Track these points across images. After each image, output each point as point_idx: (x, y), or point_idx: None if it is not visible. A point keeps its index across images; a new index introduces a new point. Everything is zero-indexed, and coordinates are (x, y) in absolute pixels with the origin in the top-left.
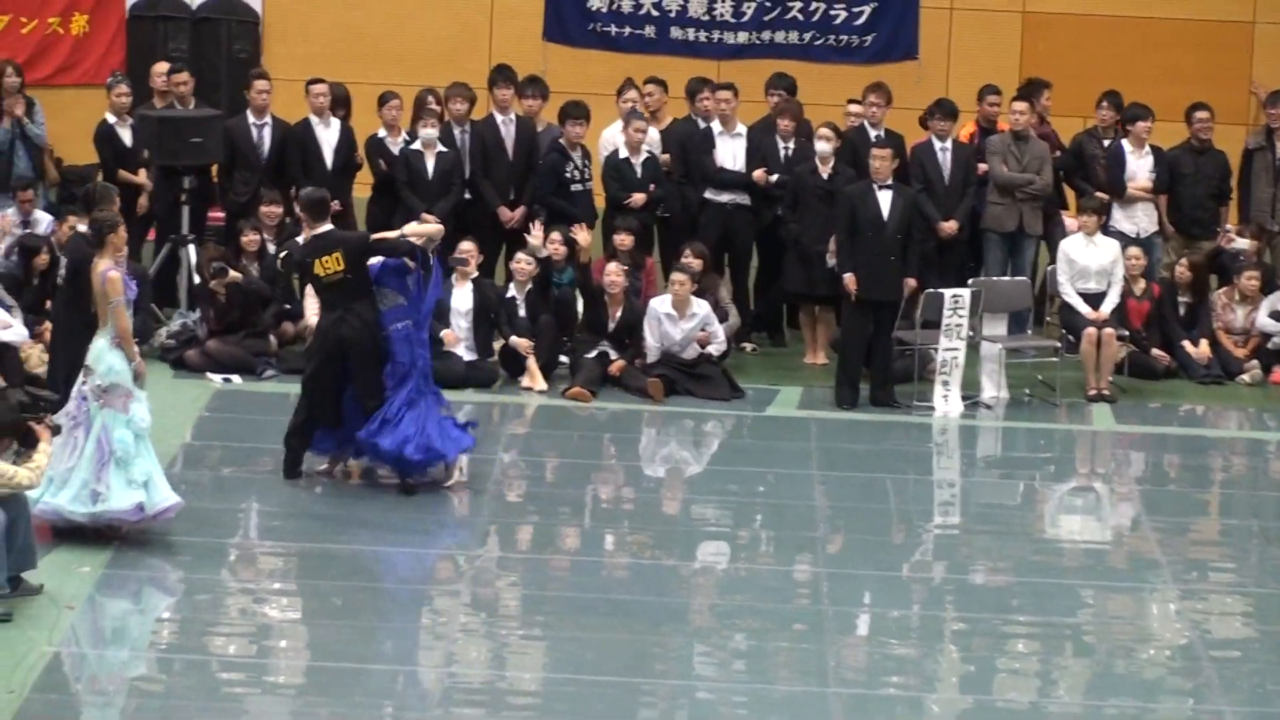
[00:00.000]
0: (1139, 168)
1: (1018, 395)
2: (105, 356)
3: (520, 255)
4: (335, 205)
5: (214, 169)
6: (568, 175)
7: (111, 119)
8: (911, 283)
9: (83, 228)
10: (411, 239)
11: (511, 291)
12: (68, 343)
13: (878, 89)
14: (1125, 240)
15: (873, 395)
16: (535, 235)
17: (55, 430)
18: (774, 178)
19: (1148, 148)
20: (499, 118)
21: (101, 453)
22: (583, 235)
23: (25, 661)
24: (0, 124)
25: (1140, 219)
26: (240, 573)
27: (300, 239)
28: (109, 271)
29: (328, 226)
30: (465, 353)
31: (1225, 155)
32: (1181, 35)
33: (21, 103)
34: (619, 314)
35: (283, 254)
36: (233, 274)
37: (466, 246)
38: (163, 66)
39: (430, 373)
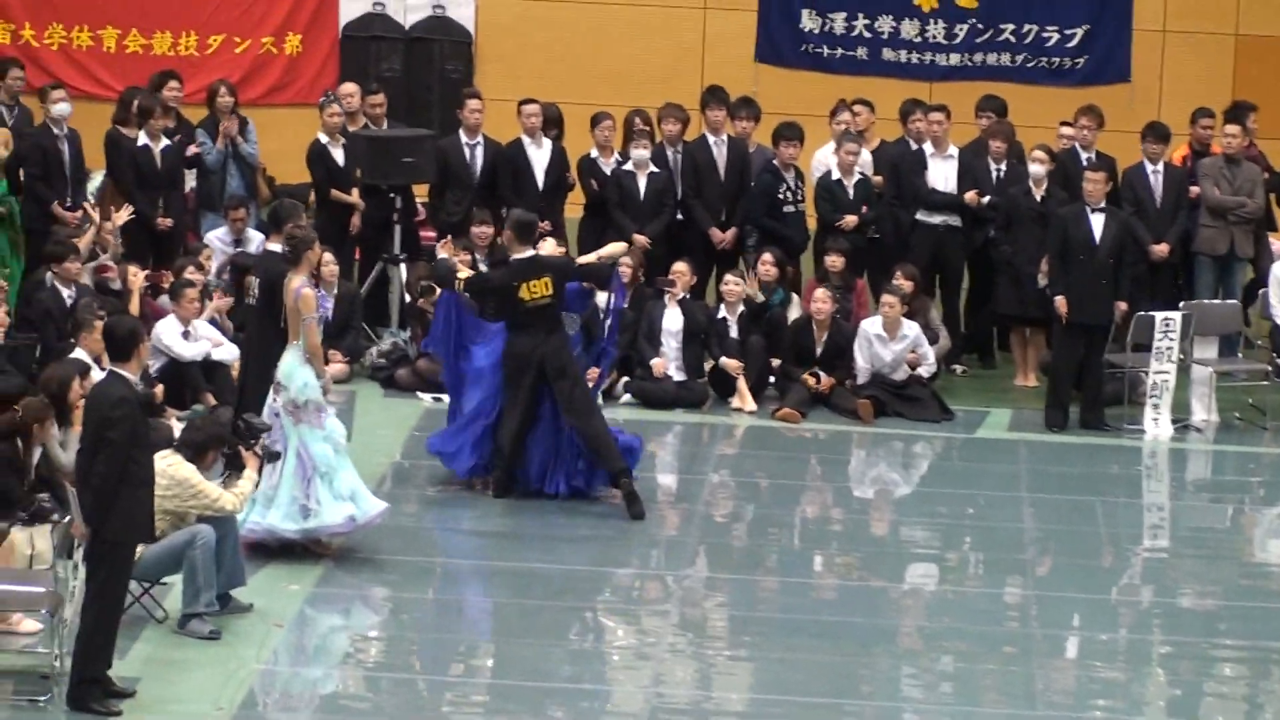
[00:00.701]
0: None
1: (1228, 419)
2: (297, 373)
3: (729, 276)
4: (545, 226)
5: (425, 189)
6: (780, 196)
7: (324, 139)
8: (1123, 306)
9: (275, 246)
10: (606, 259)
11: (722, 312)
12: (260, 358)
13: (1089, 111)
14: None
15: (1083, 418)
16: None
17: (273, 457)
18: (986, 199)
19: None
20: (711, 139)
21: (304, 468)
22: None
23: (234, 679)
24: (215, 144)
25: None
26: (448, 591)
27: (444, 255)
28: (303, 288)
29: (531, 251)
30: (675, 373)
31: None
32: None
33: (235, 122)
34: (824, 338)
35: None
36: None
37: (680, 268)
38: (350, 87)
39: None
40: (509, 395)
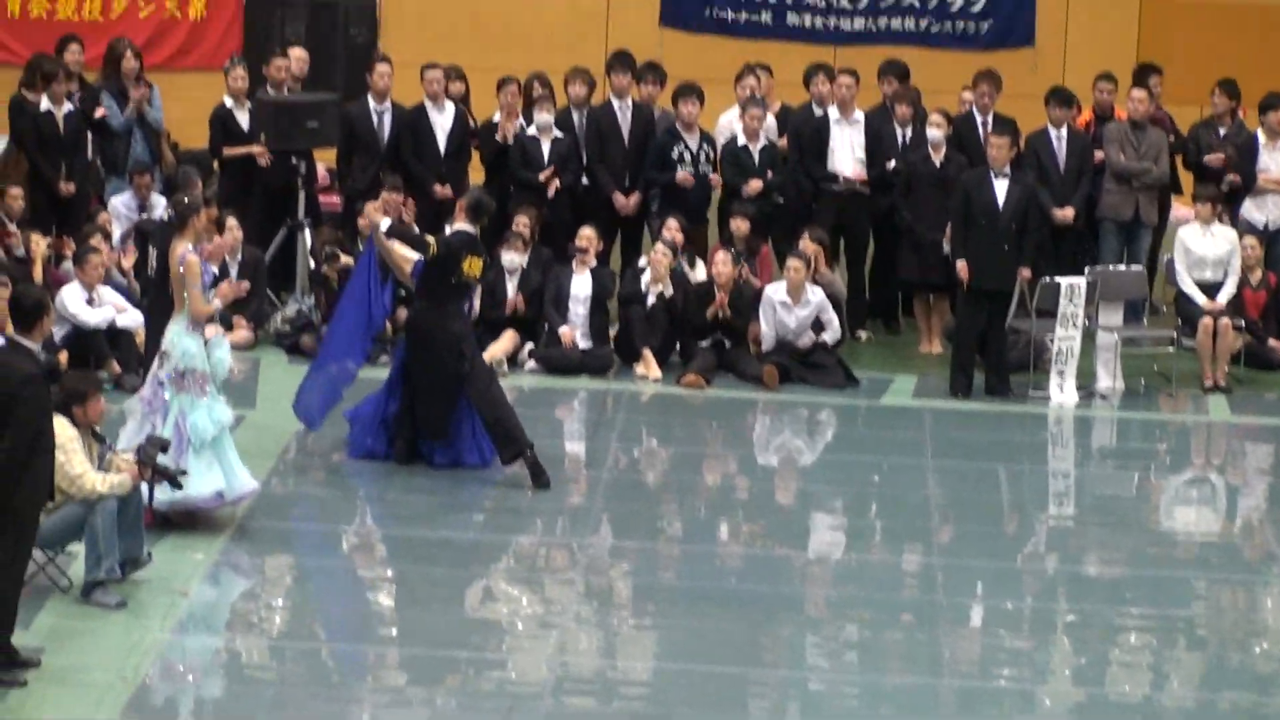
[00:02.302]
0: (1272, 160)
1: (1133, 385)
2: (181, 341)
3: (658, 247)
4: (446, 190)
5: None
6: (674, 156)
7: (229, 103)
8: (1026, 273)
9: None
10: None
11: (645, 284)
12: (162, 327)
13: (988, 77)
14: (1255, 231)
15: (988, 384)
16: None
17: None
18: (891, 164)
19: None
20: (616, 103)
21: (180, 439)
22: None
23: (139, 648)
24: (120, 108)
25: (1271, 210)
26: (354, 560)
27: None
28: (186, 255)
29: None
30: (582, 340)
31: None
32: None
33: (146, 90)
34: (726, 302)
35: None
36: (345, 259)
37: (587, 234)
38: (299, 52)
39: None
40: (414, 364)
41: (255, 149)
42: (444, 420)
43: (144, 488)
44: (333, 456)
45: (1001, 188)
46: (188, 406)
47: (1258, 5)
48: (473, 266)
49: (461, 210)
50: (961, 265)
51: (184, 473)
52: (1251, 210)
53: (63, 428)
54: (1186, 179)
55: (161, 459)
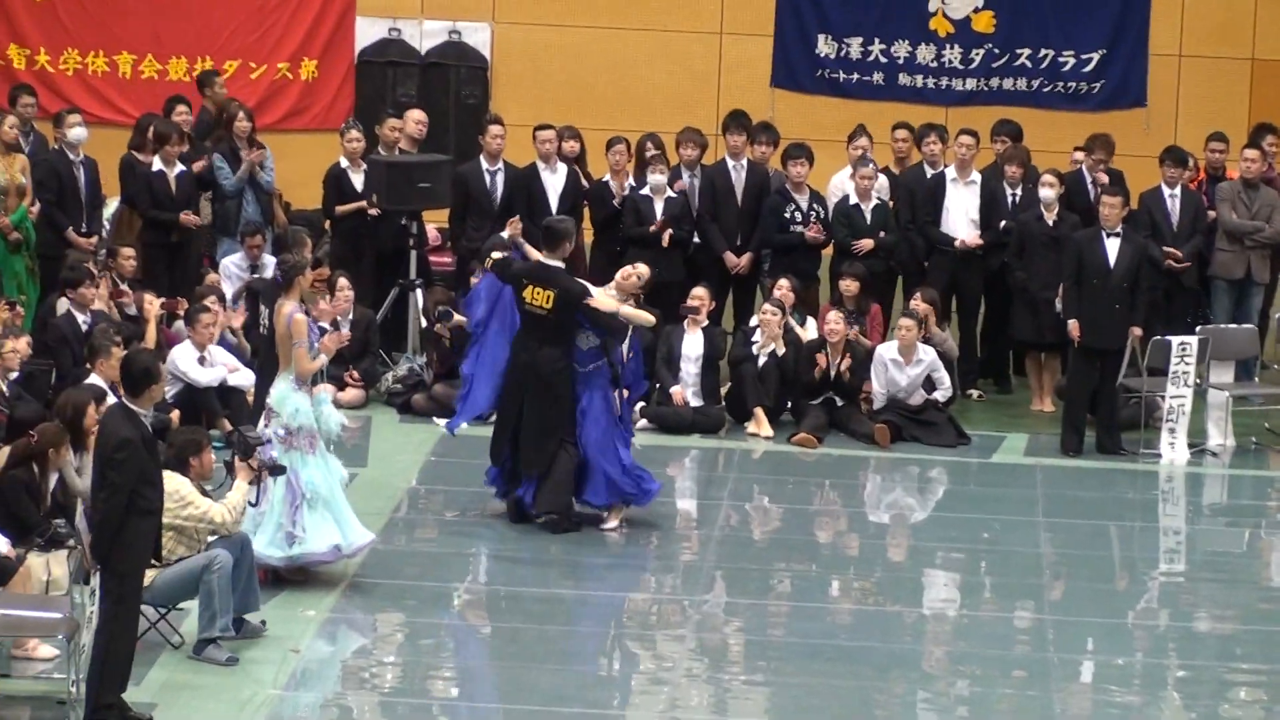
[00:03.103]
0: None
1: (1244, 443)
2: (289, 399)
3: (767, 307)
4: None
5: (441, 214)
6: (787, 216)
7: (344, 163)
8: (1137, 331)
9: None
10: (624, 319)
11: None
12: (267, 387)
13: (1101, 141)
14: None
15: (1099, 442)
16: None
17: (276, 470)
18: (1003, 225)
19: None
20: (730, 163)
21: (293, 495)
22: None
23: (250, 705)
24: (230, 170)
25: None
26: (466, 617)
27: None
28: (294, 314)
29: (559, 263)
30: (693, 399)
31: None
32: None
33: (261, 154)
34: (838, 361)
35: (496, 255)
36: (458, 318)
37: (699, 293)
38: (416, 114)
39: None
40: (503, 405)
41: (366, 204)
42: (539, 457)
43: (253, 487)
44: (445, 514)
45: (1113, 247)
46: (298, 463)
47: None
48: (535, 295)
49: (543, 240)
50: (1073, 324)
51: (284, 468)
52: None
53: (173, 481)
54: None
55: (261, 454)
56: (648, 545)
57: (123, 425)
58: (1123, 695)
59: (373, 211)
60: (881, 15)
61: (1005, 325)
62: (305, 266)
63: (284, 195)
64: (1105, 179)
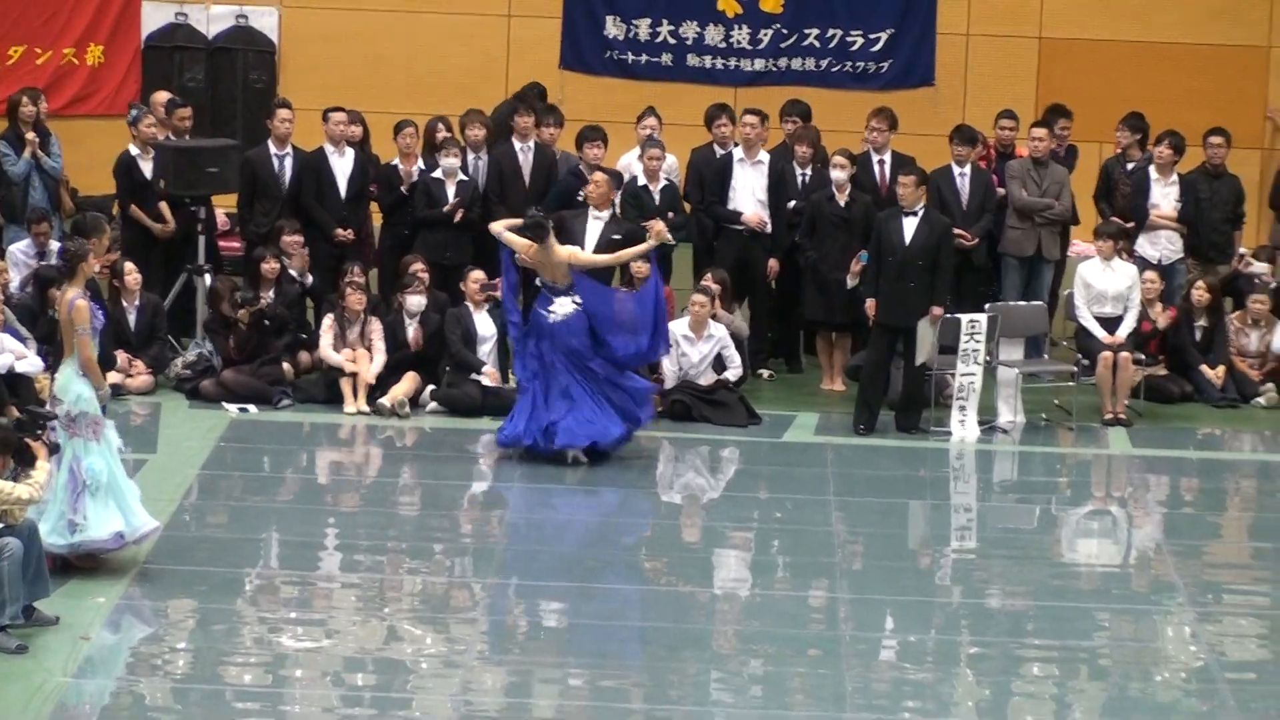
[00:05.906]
0: (1163, 196)
1: (1034, 420)
2: (72, 385)
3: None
4: (349, 234)
5: (229, 199)
6: (579, 200)
7: (135, 150)
8: (937, 310)
9: None
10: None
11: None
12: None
13: (880, 113)
14: (1148, 266)
15: (898, 421)
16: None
17: (53, 448)
18: (791, 204)
19: (1174, 175)
20: (518, 145)
21: (75, 483)
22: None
23: (40, 693)
24: (19, 155)
25: (1163, 245)
26: (258, 603)
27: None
28: (76, 300)
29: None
30: (485, 379)
31: (1239, 180)
32: (1197, 60)
33: (35, 133)
34: None
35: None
36: (261, 302)
37: (477, 275)
38: (162, 96)
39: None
40: None
41: (157, 227)
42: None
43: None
44: (235, 500)
45: (910, 225)
46: (81, 451)
47: (1150, 44)
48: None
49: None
50: (871, 303)
51: (59, 445)
52: (1145, 246)
53: None
54: (1087, 214)
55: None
56: (439, 528)
57: None
58: (916, 673)
59: (162, 232)
60: None
61: (795, 305)
62: (88, 252)
63: (71, 181)
64: (884, 148)
